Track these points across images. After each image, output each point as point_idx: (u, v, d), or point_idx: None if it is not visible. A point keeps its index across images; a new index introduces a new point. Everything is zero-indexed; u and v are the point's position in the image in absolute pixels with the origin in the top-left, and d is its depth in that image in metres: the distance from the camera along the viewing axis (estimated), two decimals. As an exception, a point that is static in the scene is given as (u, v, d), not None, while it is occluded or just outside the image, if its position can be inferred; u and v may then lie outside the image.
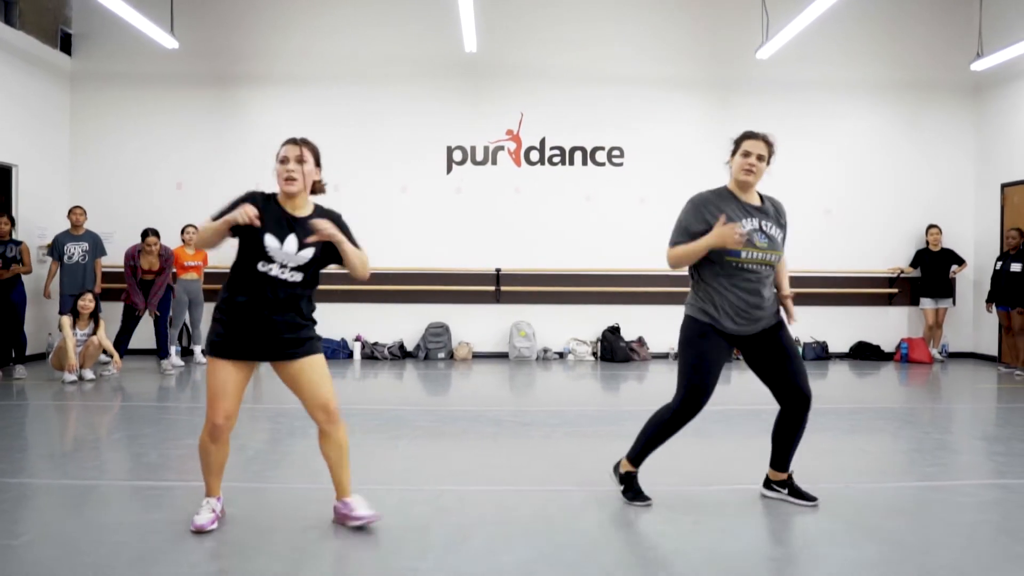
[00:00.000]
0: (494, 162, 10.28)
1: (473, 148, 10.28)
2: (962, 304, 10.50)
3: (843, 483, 4.36)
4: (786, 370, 3.81)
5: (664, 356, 10.19)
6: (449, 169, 10.27)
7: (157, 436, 5.46)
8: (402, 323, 10.17)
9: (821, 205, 10.42)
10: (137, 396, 7.28)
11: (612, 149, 10.34)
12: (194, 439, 5.37)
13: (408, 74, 10.18)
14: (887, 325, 10.55)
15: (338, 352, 9.99)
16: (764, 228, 3.70)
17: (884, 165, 10.46)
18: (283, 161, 3.39)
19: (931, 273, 10.15)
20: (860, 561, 3.18)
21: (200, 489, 3.66)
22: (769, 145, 3.74)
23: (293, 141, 3.44)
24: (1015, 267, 9.00)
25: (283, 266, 3.36)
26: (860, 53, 10.39)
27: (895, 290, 10.49)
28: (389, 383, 8.39)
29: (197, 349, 9.41)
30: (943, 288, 10.14)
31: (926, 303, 10.18)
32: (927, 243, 10.25)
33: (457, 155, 10.28)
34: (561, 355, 10.18)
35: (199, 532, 3.39)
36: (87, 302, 7.94)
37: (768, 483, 4.03)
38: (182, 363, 9.13)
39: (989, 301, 9.39)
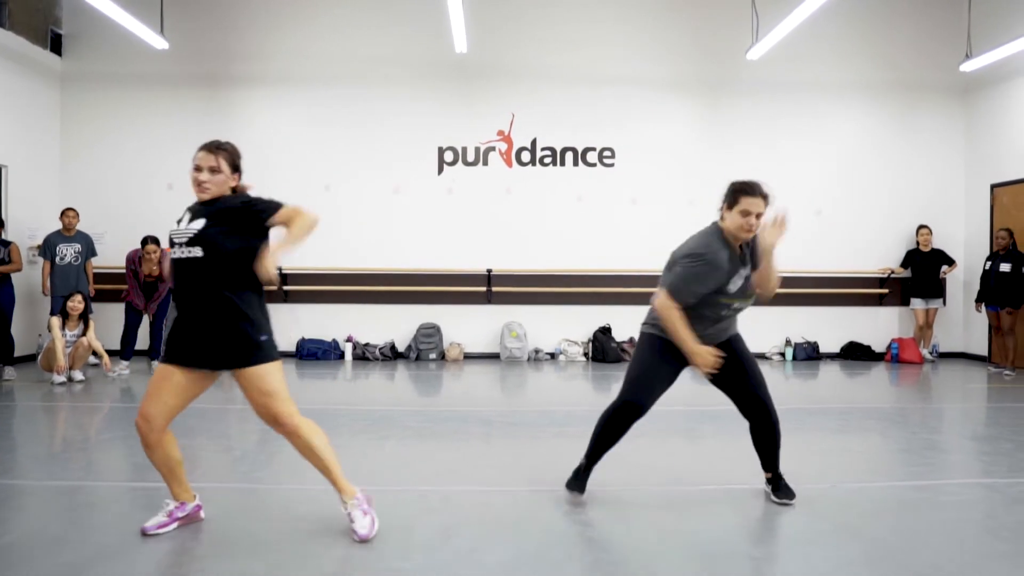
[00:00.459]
0: (485, 163, 10.29)
1: (464, 149, 10.28)
2: (952, 304, 10.54)
3: (829, 483, 4.37)
4: (745, 381, 3.84)
5: (655, 356, 10.20)
6: (440, 170, 10.27)
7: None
8: (393, 324, 10.16)
9: (812, 206, 10.45)
10: (127, 397, 7.27)
11: (603, 150, 10.35)
12: (183, 439, 5.37)
13: (399, 75, 10.18)
14: (878, 325, 10.58)
15: (329, 353, 9.98)
16: (745, 278, 3.74)
17: (875, 166, 10.50)
18: (196, 169, 3.31)
19: (921, 273, 10.18)
20: (842, 560, 3.19)
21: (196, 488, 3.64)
22: (766, 199, 3.65)
23: (207, 148, 3.33)
24: (1004, 267, 9.04)
25: (179, 244, 3.25)
26: (850, 54, 10.42)
27: (886, 290, 10.52)
28: (380, 384, 8.38)
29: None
30: (933, 288, 10.17)
31: (916, 303, 10.21)
32: (917, 243, 10.28)
33: (448, 156, 10.28)
34: (552, 356, 10.18)
35: (143, 534, 3.37)
36: (76, 303, 7.93)
37: (766, 481, 4.07)
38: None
39: (979, 301, 9.42)
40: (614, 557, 3.27)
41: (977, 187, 10.40)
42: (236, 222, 3.26)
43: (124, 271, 8.68)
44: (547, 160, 10.30)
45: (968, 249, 10.50)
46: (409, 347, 10.06)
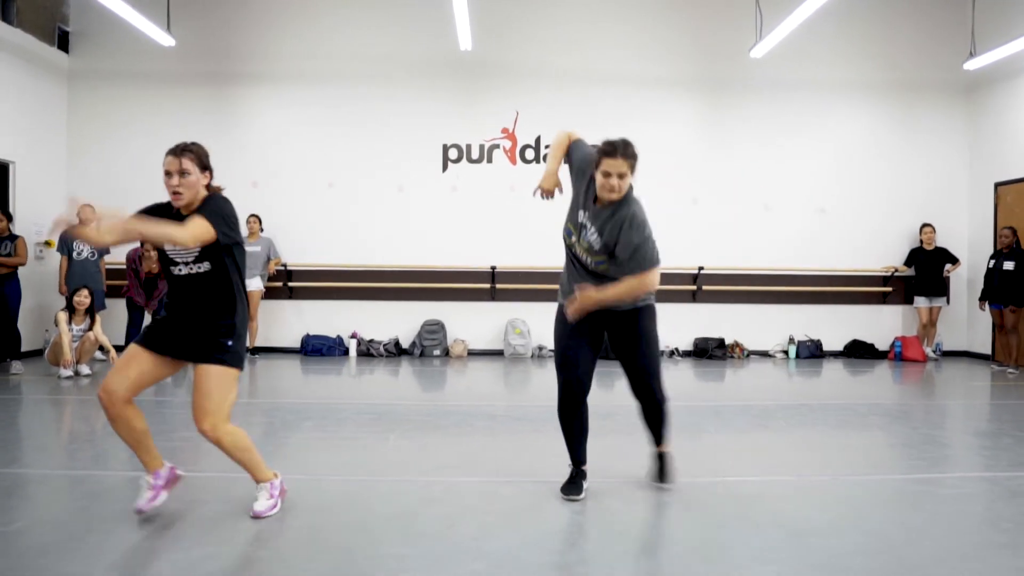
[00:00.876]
0: (489, 160, 10.32)
1: (468, 146, 10.32)
2: (956, 303, 10.54)
3: (829, 476, 4.40)
4: (642, 370, 3.89)
5: (660, 354, 10.21)
6: (445, 167, 10.31)
7: (152, 429, 5.47)
8: (398, 320, 10.20)
9: (815, 204, 10.47)
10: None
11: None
12: (187, 431, 5.41)
13: (404, 73, 10.22)
14: (881, 324, 10.59)
15: (334, 349, 10.02)
16: (597, 229, 3.68)
17: (878, 164, 10.50)
18: (167, 175, 3.40)
19: (925, 272, 10.18)
20: (843, 551, 3.21)
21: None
22: (629, 160, 3.58)
23: (173, 152, 3.41)
24: (1008, 265, 9.04)
25: (186, 263, 3.42)
26: (853, 52, 10.43)
27: (889, 289, 10.53)
28: (384, 380, 8.42)
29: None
30: (937, 287, 10.17)
31: (920, 302, 10.21)
32: (921, 242, 10.29)
33: (453, 153, 10.31)
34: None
35: (139, 513, 3.49)
36: (83, 298, 7.98)
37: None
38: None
39: (983, 299, 9.42)
40: (615, 546, 3.29)
41: (981, 185, 10.40)
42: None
43: (132, 263, 8.77)
44: (551, 158, 10.30)
45: (972, 247, 10.50)
46: (413, 344, 10.09)
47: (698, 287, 10.33)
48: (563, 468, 4.12)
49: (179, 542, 3.25)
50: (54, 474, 4.30)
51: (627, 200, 3.67)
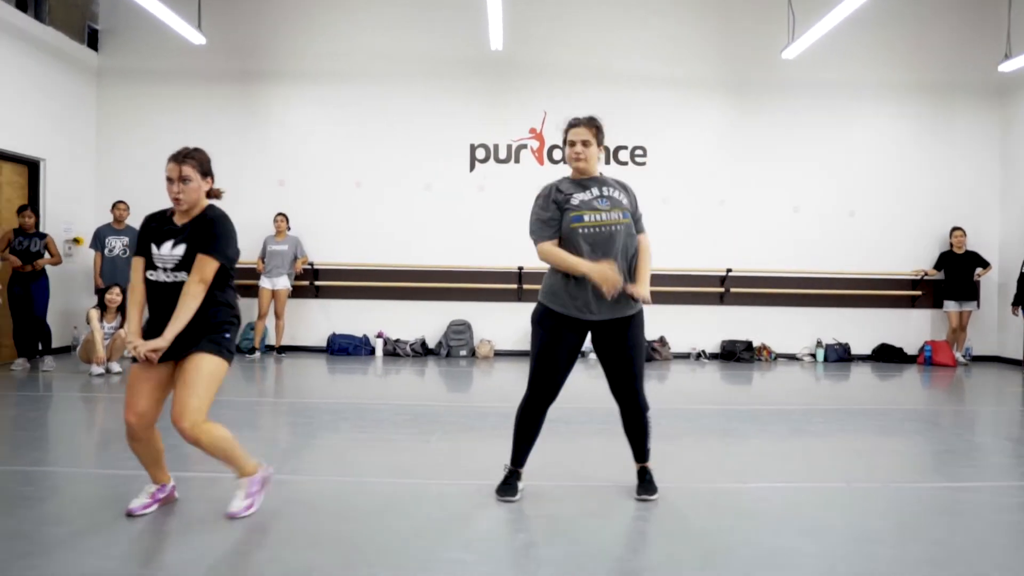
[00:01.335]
0: (517, 160, 10.29)
1: (496, 146, 10.29)
2: (987, 307, 10.43)
3: (880, 482, 4.34)
4: (624, 366, 3.78)
5: (686, 356, 10.17)
6: (472, 167, 10.28)
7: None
8: (424, 320, 10.18)
9: (845, 207, 10.38)
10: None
11: (635, 148, 10.33)
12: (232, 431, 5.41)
13: (432, 72, 10.19)
14: (910, 327, 10.49)
15: (360, 348, 10.01)
16: (604, 193, 3.72)
17: (908, 167, 10.41)
18: (168, 180, 3.44)
19: (955, 275, 10.08)
20: (909, 560, 3.16)
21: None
22: (592, 127, 3.74)
23: (175, 159, 3.45)
24: (1042, 270, 8.94)
25: (165, 269, 3.42)
26: (885, 53, 10.34)
27: (918, 292, 10.43)
28: (413, 380, 8.40)
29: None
30: (968, 291, 10.07)
31: (950, 306, 10.11)
32: (951, 245, 10.19)
33: (480, 153, 10.28)
34: (583, 354, 10.14)
35: (129, 515, 3.46)
36: (114, 295, 7.99)
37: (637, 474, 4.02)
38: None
39: (1015, 304, 9.33)
40: (679, 552, 3.25)
41: (1013, 189, 10.29)
42: (204, 242, 3.41)
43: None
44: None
45: (1003, 251, 10.39)
46: (439, 344, 10.07)
47: (726, 289, 10.26)
48: (615, 474, 4.10)
49: (224, 547, 3.23)
50: (96, 473, 4.29)
51: (607, 177, 3.86)
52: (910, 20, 10.32)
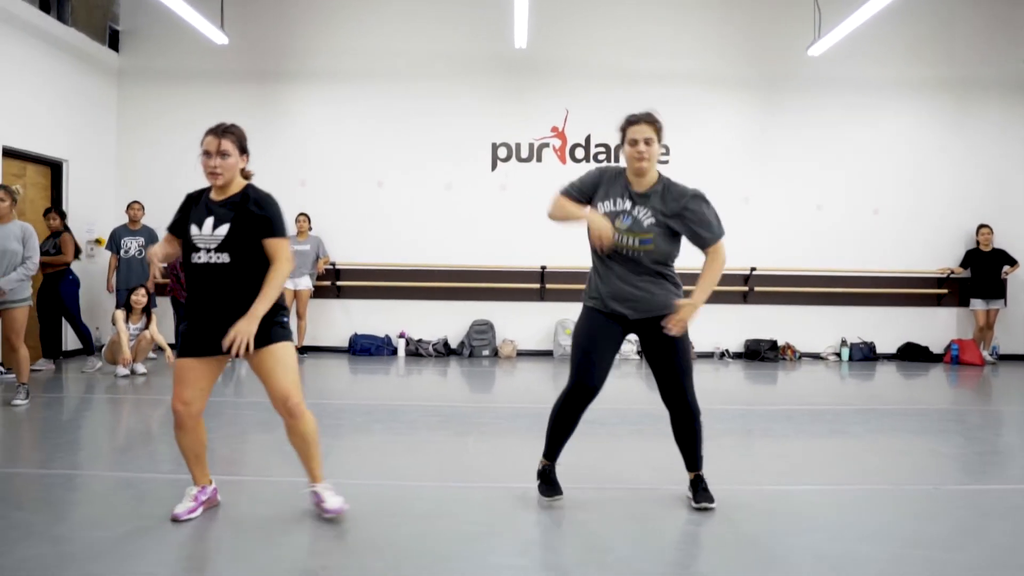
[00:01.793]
0: (539, 159, 10.23)
1: (518, 145, 10.23)
2: (1014, 305, 10.30)
3: (929, 484, 4.28)
4: (676, 380, 3.66)
5: (710, 355, 10.11)
6: (494, 166, 10.23)
7: (222, 431, 5.44)
8: (446, 320, 10.13)
9: (869, 205, 10.28)
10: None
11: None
12: (262, 433, 5.38)
13: (454, 71, 10.14)
14: (936, 326, 10.39)
15: (382, 349, 9.97)
16: (633, 212, 3.59)
17: (934, 163, 10.30)
18: (206, 154, 3.37)
19: (982, 274, 9.98)
20: (971, 565, 3.09)
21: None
22: (653, 124, 3.61)
23: (213, 132, 3.40)
24: (1072, 268, 8.84)
25: (207, 250, 3.34)
26: (910, 48, 10.23)
27: (944, 291, 10.33)
28: (438, 380, 8.36)
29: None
30: (994, 289, 9.96)
31: (977, 304, 10.01)
32: (977, 243, 10.09)
33: (502, 152, 10.23)
34: (639, 357, 10.09)
35: (175, 520, 3.40)
36: (140, 297, 7.97)
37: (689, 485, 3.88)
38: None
39: (1044, 302, 9.22)
40: (738, 557, 3.19)
41: (1041, 186, 10.19)
42: (255, 228, 3.36)
43: (173, 269, 8.73)
44: (601, 157, 10.22)
45: (1031, 249, 10.27)
46: (462, 344, 10.03)
47: (749, 288, 10.19)
48: (659, 476, 4.04)
49: (272, 553, 3.19)
50: (120, 476, 4.26)
51: (665, 178, 3.69)
52: (936, 16, 10.21)
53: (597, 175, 3.76)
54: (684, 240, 3.72)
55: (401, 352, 9.97)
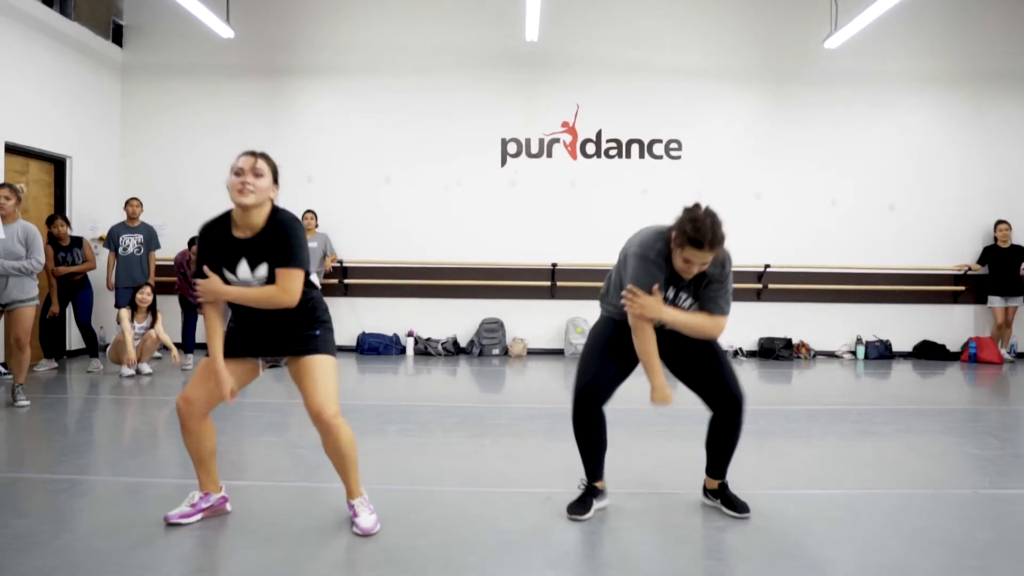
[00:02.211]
0: (549, 155, 10.06)
1: (528, 140, 10.06)
2: (1033, 303, 10.13)
3: (968, 488, 4.12)
4: (712, 370, 3.50)
5: (723, 354, 9.94)
6: (504, 162, 10.06)
7: (230, 433, 5.29)
8: (455, 318, 9.97)
9: (885, 200, 10.10)
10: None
11: (670, 142, 10.08)
12: (270, 435, 5.23)
13: (463, 65, 9.98)
14: (952, 324, 10.22)
15: (390, 348, 9.81)
16: (677, 301, 3.43)
17: (951, 158, 10.12)
18: (238, 173, 3.16)
19: (1000, 270, 9.80)
20: (1028, 575, 2.94)
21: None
22: (716, 250, 3.23)
23: (251, 153, 3.23)
24: (1094, 264, 8.66)
25: (248, 284, 3.23)
26: (926, 41, 10.04)
27: (961, 288, 10.15)
28: (449, 380, 8.20)
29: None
30: (1013, 286, 9.78)
31: (995, 301, 9.84)
32: (995, 239, 9.91)
33: (512, 147, 10.06)
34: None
35: (166, 521, 3.31)
36: (145, 295, 7.83)
37: (705, 490, 3.74)
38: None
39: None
40: (781, 566, 3.02)
41: (1060, 181, 10.00)
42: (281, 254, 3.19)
43: (180, 267, 8.57)
44: (612, 152, 10.06)
45: (1050, 245, 10.10)
46: (471, 342, 9.87)
47: (763, 285, 10.02)
48: (689, 480, 3.88)
49: (287, 563, 3.03)
50: (126, 481, 4.10)
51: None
52: (953, 9, 10.02)
53: (650, 265, 3.37)
54: None
55: (410, 351, 9.81)
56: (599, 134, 10.06)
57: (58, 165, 8.92)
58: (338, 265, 9.83)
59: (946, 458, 4.88)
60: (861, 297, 10.11)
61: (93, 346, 8.10)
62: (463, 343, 9.98)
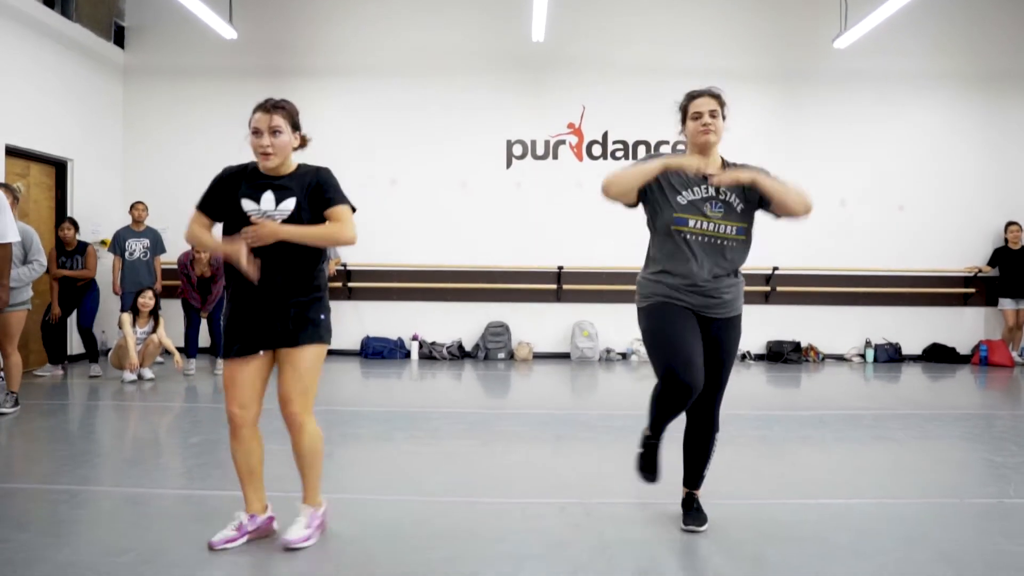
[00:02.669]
0: (555, 156, 9.96)
1: (533, 142, 9.96)
2: (1044, 304, 10.01)
3: (993, 498, 4.00)
4: (716, 373, 3.31)
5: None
6: (509, 163, 9.96)
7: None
8: (460, 322, 9.86)
9: (894, 201, 10.00)
10: (194, 396, 7.04)
11: (677, 143, 9.89)
12: (274, 443, 5.12)
13: (467, 66, 9.88)
14: (962, 326, 10.10)
15: (395, 352, 9.71)
16: (720, 195, 3.27)
17: (961, 159, 10.01)
18: (256, 133, 3.08)
19: (1011, 272, 9.69)
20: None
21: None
22: (717, 98, 3.30)
23: (263, 108, 3.11)
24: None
25: (270, 216, 3.11)
26: (937, 40, 9.93)
27: (971, 290, 10.04)
28: (455, 384, 8.10)
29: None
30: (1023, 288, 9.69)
31: (1006, 303, 9.72)
32: (1006, 241, 9.80)
33: (517, 149, 9.96)
34: (624, 356, 9.83)
35: (210, 549, 3.07)
36: (147, 300, 7.72)
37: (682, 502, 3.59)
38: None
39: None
40: None
41: (1070, 182, 9.89)
42: (316, 201, 3.14)
43: (183, 268, 8.47)
44: (619, 154, 9.96)
45: (1060, 247, 9.98)
46: (477, 346, 9.76)
47: (772, 288, 9.91)
48: (708, 488, 3.77)
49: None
50: (133, 492, 4.00)
51: (731, 163, 3.39)
52: (964, 8, 9.91)
53: (652, 155, 3.34)
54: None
55: (414, 355, 9.71)
56: (605, 135, 9.96)
57: (59, 168, 8.82)
58: (342, 268, 9.73)
59: (967, 465, 4.78)
60: (870, 299, 10.00)
61: (93, 351, 7.99)
62: (468, 347, 9.88)
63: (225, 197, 3.16)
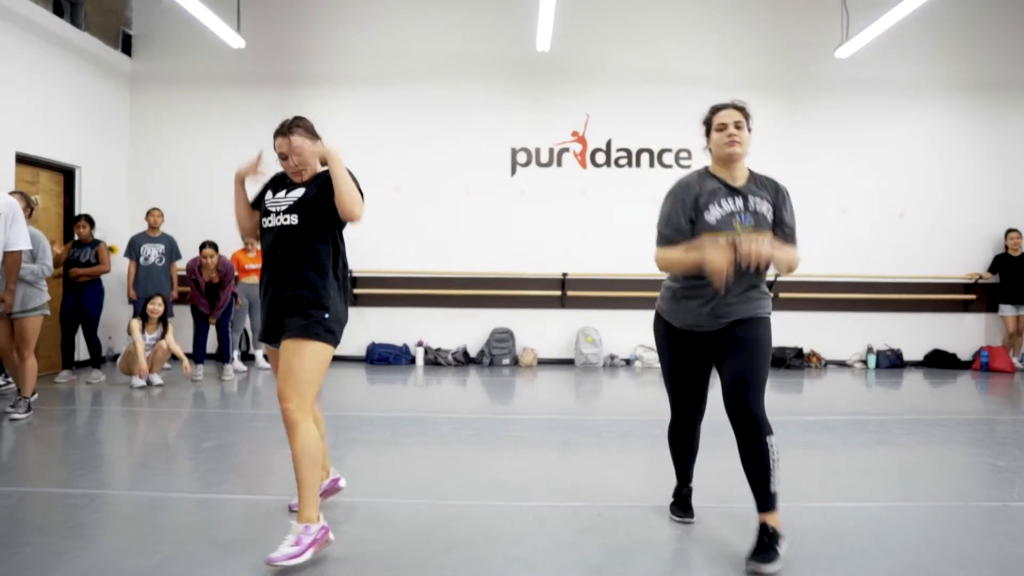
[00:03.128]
0: (559, 164, 10.04)
1: (538, 150, 10.04)
2: (1044, 311, 10.09)
3: (998, 501, 4.06)
4: (741, 364, 3.21)
5: (734, 363, 9.89)
6: (513, 171, 10.04)
7: (241, 445, 5.25)
8: (465, 328, 9.93)
9: (895, 208, 10.09)
10: (211, 402, 7.09)
11: (680, 151, 10.07)
12: (280, 448, 5.17)
13: (473, 74, 9.96)
14: (963, 333, 10.18)
15: (400, 358, 9.76)
16: (750, 206, 3.29)
17: (962, 166, 10.10)
18: (281, 157, 3.38)
19: (1011, 279, 9.77)
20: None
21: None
22: (742, 110, 3.35)
23: (282, 133, 3.35)
24: (1108, 273, 8.63)
25: (277, 213, 3.32)
26: (938, 51, 10.03)
27: (972, 296, 10.11)
28: (460, 390, 8.15)
29: (258, 353, 9.27)
30: (1024, 294, 9.76)
31: (1006, 310, 9.80)
32: (1006, 248, 9.88)
33: (521, 157, 10.04)
34: (628, 362, 9.89)
35: (269, 563, 2.94)
36: (156, 306, 7.78)
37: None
38: (244, 368, 8.93)
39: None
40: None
41: (1070, 189, 9.97)
42: (326, 189, 3.29)
43: (192, 273, 8.53)
44: (622, 161, 10.04)
45: (1060, 254, 10.06)
46: (482, 352, 9.82)
47: (774, 294, 9.98)
48: (723, 491, 3.84)
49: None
50: (136, 495, 4.05)
51: (757, 174, 3.43)
52: (965, 17, 10.00)
53: (681, 191, 3.30)
54: None
55: (420, 361, 9.77)
56: (609, 143, 10.04)
57: (68, 175, 8.89)
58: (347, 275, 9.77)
59: (971, 469, 4.84)
60: (872, 306, 10.07)
61: (96, 356, 8.03)
62: (473, 353, 9.94)
63: (263, 193, 3.54)
